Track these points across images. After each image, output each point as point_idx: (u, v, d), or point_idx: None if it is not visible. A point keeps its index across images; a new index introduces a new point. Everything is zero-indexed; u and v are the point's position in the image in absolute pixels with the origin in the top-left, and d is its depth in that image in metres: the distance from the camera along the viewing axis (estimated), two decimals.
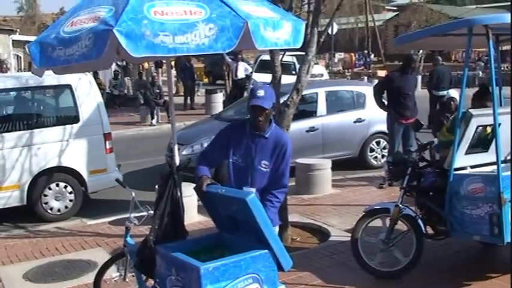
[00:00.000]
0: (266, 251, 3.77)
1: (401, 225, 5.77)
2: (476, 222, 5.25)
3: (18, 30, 34.41)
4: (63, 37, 3.70)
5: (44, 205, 8.62)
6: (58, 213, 8.72)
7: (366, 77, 28.40)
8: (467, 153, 5.56)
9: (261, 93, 4.10)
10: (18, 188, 8.41)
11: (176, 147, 5.15)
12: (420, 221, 5.69)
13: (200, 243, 4.25)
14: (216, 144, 4.42)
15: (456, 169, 5.48)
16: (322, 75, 25.18)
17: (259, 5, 4.18)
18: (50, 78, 8.18)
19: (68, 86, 8.79)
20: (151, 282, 4.71)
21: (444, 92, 14.53)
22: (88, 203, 9.15)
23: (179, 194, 4.20)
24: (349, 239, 6.01)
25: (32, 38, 6.25)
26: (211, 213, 4.35)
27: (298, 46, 4.22)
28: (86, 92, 8.90)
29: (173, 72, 24.58)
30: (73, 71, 5.37)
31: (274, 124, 4.35)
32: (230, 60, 19.85)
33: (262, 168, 4.24)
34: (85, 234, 7.76)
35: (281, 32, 3.98)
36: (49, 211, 8.67)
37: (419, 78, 23.74)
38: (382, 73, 29.35)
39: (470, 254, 6.28)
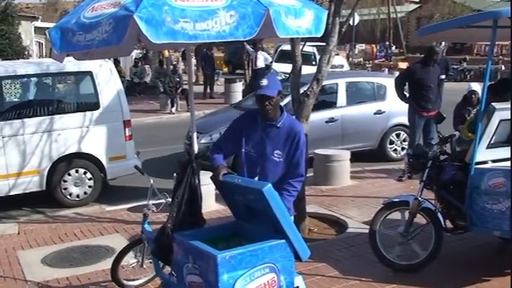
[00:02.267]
0: (283, 240, 3.75)
1: (420, 219, 5.71)
2: (497, 217, 5.17)
3: (40, 17, 34.62)
4: (83, 22, 3.68)
5: (63, 191, 8.67)
6: (77, 199, 8.78)
7: (387, 69, 28.15)
8: (488, 147, 5.48)
9: (264, 82, 4.11)
10: (38, 174, 8.46)
11: (195, 135, 5.14)
12: (439, 215, 5.63)
13: (217, 232, 4.25)
14: (229, 134, 4.40)
15: (477, 163, 5.40)
16: (342, 66, 25.02)
17: None
18: (70, 64, 8.22)
19: (89, 73, 8.81)
20: (168, 269, 4.73)
21: (442, 77, 14.80)
22: (107, 190, 9.20)
23: (197, 182, 4.19)
24: (367, 231, 5.96)
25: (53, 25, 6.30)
26: (228, 203, 4.34)
27: (320, 35, 4.16)
28: (106, 78, 8.92)
29: (193, 60, 24.58)
30: (93, 57, 5.37)
31: (286, 113, 4.31)
32: (251, 49, 19.79)
33: (275, 158, 4.21)
34: (104, 220, 7.80)
35: (303, 20, 3.93)
36: (68, 197, 8.73)
37: None
38: (403, 65, 29.03)
39: (490, 249, 6.20)
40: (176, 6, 3.43)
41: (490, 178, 5.24)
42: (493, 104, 5.45)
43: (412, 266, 5.62)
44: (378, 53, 39.60)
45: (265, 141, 4.22)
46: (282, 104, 9.25)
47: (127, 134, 9.03)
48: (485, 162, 5.52)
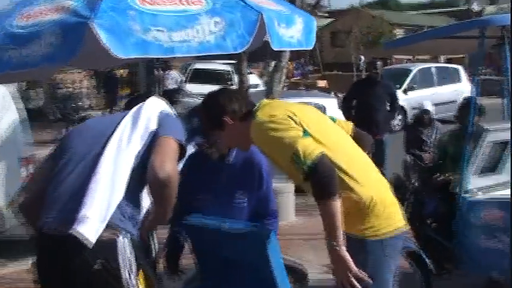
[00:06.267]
0: None
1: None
2: (493, 256, 4.95)
3: None
4: (17, 33, 3.04)
5: None
6: None
7: (304, 88, 28.36)
8: (476, 173, 5.27)
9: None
10: None
11: None
12: (424, 256, 5.33)
13: None
14: (181, 195, 3.27)
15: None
16: (257, 85, 24.76)
17: None
18: None
19: None
20: None
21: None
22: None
23: None
24: (331, 276, 5.55)
25: None
26: (198, 258, 3.75)
27: (311, 47, 3.75)
28: None
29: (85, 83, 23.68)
30: (14, 78, 4.65)
31: None
32: (160, 71, 19.15)
33: (239, 203, 3.64)
34: None
35: (294, 30, 3.47)
36: None
37: None
38: (322, 83, 29.34)
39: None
40: (145, 10, 2.88)
41: (482, 210, 5.03)
42: (480, 124, 5.27)
43: None
44: (294, 71, 39.86)
45: (220, 186, 3.62)
46: None
47: (27, 174, 8.17)
48: (471, 191, 5.31)
